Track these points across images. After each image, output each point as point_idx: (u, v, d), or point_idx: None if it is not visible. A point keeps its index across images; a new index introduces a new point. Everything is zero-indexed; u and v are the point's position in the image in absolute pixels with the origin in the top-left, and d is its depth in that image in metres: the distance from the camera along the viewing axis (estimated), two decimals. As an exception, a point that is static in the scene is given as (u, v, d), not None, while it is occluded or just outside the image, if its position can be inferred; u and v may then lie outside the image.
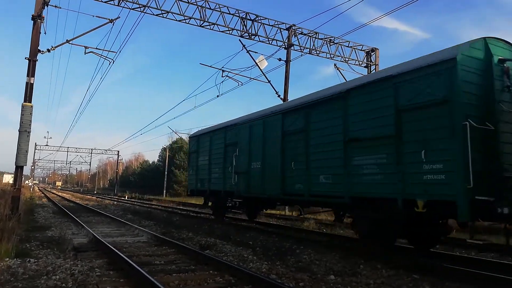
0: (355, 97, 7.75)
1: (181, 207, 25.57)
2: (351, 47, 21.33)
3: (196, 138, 15.79)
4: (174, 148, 60.90)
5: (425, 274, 5.84)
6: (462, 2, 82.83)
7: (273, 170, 10.03)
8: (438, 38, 78.82)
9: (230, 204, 12.73)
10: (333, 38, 20.68)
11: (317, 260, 6.86)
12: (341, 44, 21.00)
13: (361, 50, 21.69)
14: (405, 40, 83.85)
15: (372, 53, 21.75)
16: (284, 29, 19.78)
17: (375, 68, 21.19)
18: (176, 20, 17.79)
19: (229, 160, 12.40)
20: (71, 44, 15.52)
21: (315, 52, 20.56)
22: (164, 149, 64.19)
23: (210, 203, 14.82)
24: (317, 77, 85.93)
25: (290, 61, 19.74)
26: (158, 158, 71.71)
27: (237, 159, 11.80)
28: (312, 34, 20.32)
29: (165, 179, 51.91)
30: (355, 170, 7.48)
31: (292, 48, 19.94)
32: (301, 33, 20.18)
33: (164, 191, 51.16)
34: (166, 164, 54.28)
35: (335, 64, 20.49)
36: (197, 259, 6.60)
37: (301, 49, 20.27)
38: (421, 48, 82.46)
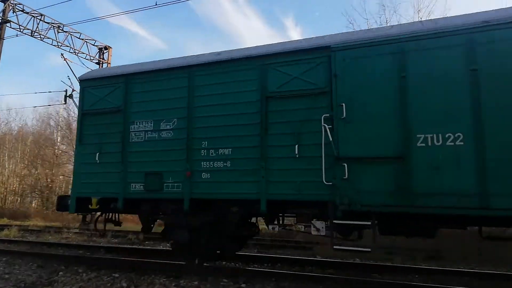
0: None
1: None
2: (82, 39, 20.13)
3: (122, 79, 7.06)
4: None
5: (124, 272, 6.33)
6: (193, 24, 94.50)
7: None
8: (173, 49, 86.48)
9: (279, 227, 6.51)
10: (62, 25, 18.92)
11: (8, 274, 6.11)
12: (71, 34, 19.45)
13: (93, 45, 20.86)
14: (143, 45, 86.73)
15: (105, 51, 21.32)
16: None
17: (107, 66, 20.88)
18: None
19: (290, 129, 5.81)
20: None
21: (39, 36, 18.14)
22: None
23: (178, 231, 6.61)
24: (45, 64, 74.86)
25: (4, 39, 16.62)
26: None
27: (344, 128, 5.48)
28: (36, 15, 17.85)
29: None
30: None
31: (9, 25, 16.88)
32: (22, 10, 17.38)
33: None
34: None
35: (62, 54, 18.72)
36: None
37: (20, 29, 17.41)
38: (157, 55, 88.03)
